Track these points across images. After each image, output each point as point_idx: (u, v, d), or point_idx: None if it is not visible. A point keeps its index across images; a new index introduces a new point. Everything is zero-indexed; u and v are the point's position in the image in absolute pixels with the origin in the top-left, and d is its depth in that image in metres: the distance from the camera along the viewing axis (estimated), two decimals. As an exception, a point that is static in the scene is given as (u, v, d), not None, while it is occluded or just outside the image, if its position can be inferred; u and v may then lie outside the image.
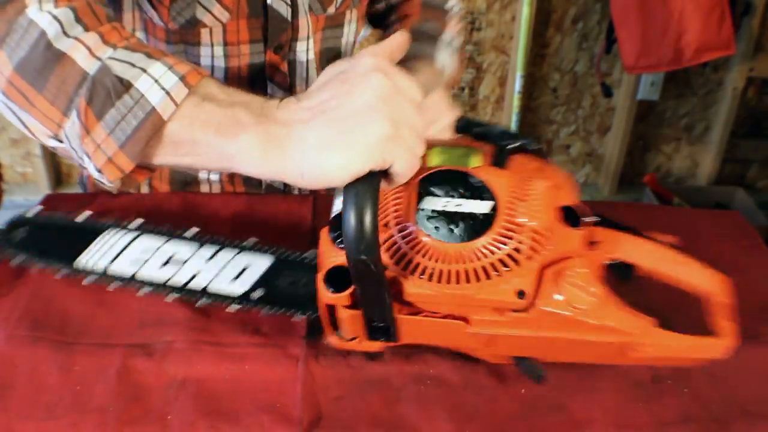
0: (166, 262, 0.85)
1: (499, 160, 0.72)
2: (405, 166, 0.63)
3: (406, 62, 0.99)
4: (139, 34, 0.97)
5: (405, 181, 0.66)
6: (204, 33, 0.96)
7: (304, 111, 0.64)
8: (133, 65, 0.65)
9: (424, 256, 0.67)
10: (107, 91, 0.64)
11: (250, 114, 0.64)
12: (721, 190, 2.62)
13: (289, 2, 0.97)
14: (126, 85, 0.64)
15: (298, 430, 0.73)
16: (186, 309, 0.87)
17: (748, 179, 2.74)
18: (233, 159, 0.64)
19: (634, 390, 0.80)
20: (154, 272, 0.84)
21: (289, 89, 1.06)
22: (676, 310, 0.75)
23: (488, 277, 0.66)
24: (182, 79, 0.64)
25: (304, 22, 1.00)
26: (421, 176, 0.70)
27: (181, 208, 1.04)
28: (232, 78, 1.01)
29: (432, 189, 0.69)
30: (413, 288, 0.67)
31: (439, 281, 0.66)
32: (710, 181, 2.67)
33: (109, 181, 0.67)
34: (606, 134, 2.62)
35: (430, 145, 0.74)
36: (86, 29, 0.67)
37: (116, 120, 0.64)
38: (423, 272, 0.67)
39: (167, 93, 0.64)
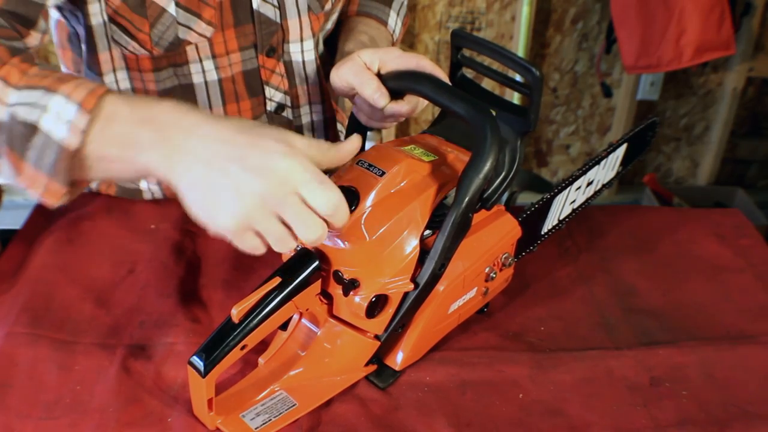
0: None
1: None
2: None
3: (356, 19, 1.09)
4: (121, 74, 0.96)
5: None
6: (190, 50, 0.95)
7: (201, 149, 0.67)
8: (35, 105, 0.69)
9: None
10: (21, 136, 0.69)
11: (152, 133, 0.68)
12: (721, 190, 2.62)
13: (277, 4, 0.97)
14: (32, 128, 0.69)
15: (297, 433, 0.74)
16: (187, 311, 0.87)
17: (748, 179, 2.74)
18: (147, 172, 0.69)
19: (632, 393, 0.80)
20: None
21: (289, 90, 1.05)
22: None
23: None
24: (80, 106, 0.68)
25: (296, 23, 1.00)
26: None
27: (181, 213, 1.04)
28: (227, 89, 1.00)
29: None
30: None
31: None
32: (710, 181, 2.67)
33: (51, 204, 0.73)
34: (606, 134, 2.62)
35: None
36: None
37: (37, 157, 0.69)
38: None
39: (70, 125, 0.68)
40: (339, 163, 0.72)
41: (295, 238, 0.67)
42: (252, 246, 0.68)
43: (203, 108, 1.00)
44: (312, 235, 0.66)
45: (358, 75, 0.86)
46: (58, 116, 0.68)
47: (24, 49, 0.80)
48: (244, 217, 0.65)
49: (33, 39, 0.82)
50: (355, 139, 0.74)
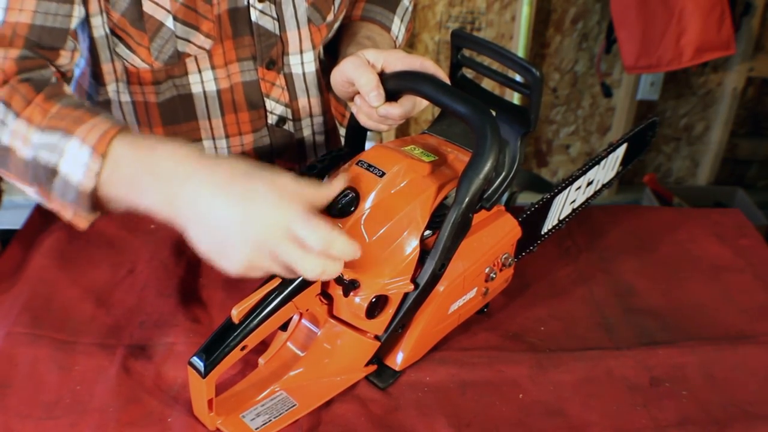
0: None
1: None
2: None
3: (359, 24, 1.09)
4: (122, 86, 0.98)
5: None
6: (189, 62, 0.96)
7: (197, 198, 0.70)
8: (54, 149, 0.75)
9: None
10: (44, 176, 0.76)
11: (152, 180, 0.73)
12: (721, 190, 2.62)
13: (276, 16, 0.97)
14: (53, 171, 0.76)
15: (297, 433, 0.74)
16: (187, 311, 0.87)
17: (748, 179, 2.74)
18: (153, 213, 0.73)
19: (632, 394, 0.80)
20: None
21: (289, 103, 1.05)
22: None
23: None
24: (92, 152, 0.73)
25: (295, 35, 1.00)
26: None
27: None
28: (226, 99, 1.00)
29: None
30: None
31: None
32: (710, 181, 2.67)
33: (82, 227, 0.79)
34: (606, 134, 2.62)
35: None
36: (17, 115, 0.78)
37: (61, 194, 0.76)
38: None
39: (85, 169, 0.74)
40: (327, 200, 0.74)
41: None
42: (263, 275, 0.71)
43: (204, 119, 1.01)
44: (310, 273, 0.68)
45: (358, 69, 0.86)
46: (74, 160, 0.74)
47: (50, 78, 0.83)
48: (247, 263, 0.68)
49: (63, 59, 0.86)
50: (340, 180, 0.76)
